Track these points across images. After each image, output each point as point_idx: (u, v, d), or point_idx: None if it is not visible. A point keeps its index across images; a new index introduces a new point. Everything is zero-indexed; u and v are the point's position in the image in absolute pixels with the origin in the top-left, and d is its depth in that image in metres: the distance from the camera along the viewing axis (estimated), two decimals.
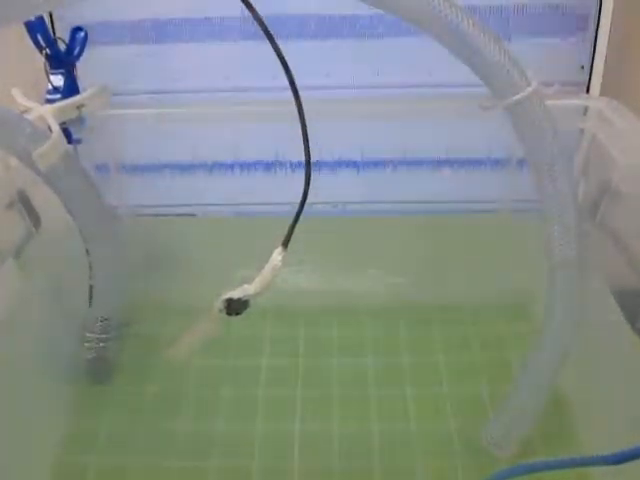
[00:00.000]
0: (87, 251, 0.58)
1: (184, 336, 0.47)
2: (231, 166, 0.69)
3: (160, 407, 0.63)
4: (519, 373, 0.52)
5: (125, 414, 0.62)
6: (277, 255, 0.41)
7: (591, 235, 0.53)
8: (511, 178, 0.65)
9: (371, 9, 0.40)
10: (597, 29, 0.62)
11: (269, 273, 0.41)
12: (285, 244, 0.41)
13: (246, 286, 0.41)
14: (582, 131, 0.58)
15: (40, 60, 0.55)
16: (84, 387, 0.64)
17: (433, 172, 0.68)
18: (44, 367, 0.60)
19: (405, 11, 0.38)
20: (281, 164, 0.68)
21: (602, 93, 0.63)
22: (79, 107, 0.57)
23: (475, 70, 0.40)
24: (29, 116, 0.50)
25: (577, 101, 0.58)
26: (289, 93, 0.40)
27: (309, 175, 0.40)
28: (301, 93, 0.40)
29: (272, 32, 0.38)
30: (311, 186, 0.41)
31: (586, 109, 0.57)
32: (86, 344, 0.63)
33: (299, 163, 0.67)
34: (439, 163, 0.68)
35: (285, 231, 0.41)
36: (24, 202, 0.57)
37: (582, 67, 0.64)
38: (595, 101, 0.58)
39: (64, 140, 0.51)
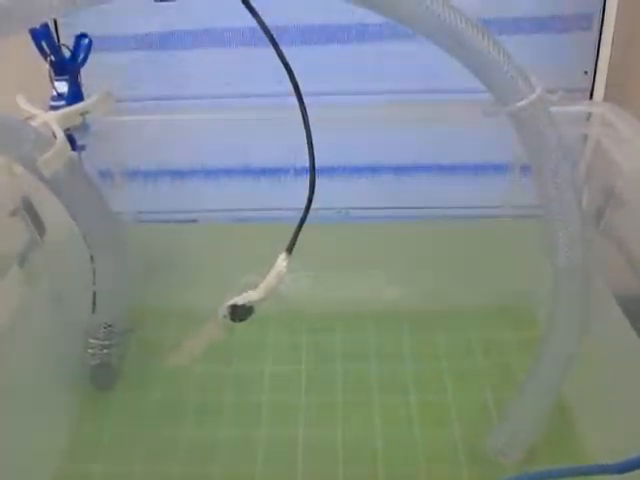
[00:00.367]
0: (91, 257, 0.58)
1: (187, 342, 0.47)
2: (234, 172, 0.69)
3: (163, 413, 0.62)
4: (524, 380, 0.52)
5: (128, 420, 0.62)
6: (281, 261, 0.41)
7: (595, 240, 0.53)
8: (513, 183, 0.65)
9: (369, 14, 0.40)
10: (600, 35, 0.62)
11: (273, 279, 0.41)
12: (289, 250, 0.41)
13: (250, 292, 0.41)
14: (586, 137, 0.58)
15: (44, 67, 0.56)
16: (88, 393, 0.64)
17: (436, 178, 0.68)
18: (48, 373, 0.60)
19: (407, 17, 0.38)
20: (285, 170, 0.68)
21: (605, 99, 0.63)
22: (83, 114, 0.57)
23: (478, 76, 0.40)
24: (33, 123, 0.50)
25: (580, 107, 0.58)
26: (292, 99, 0.40)
27: (313, 181, 0.40)
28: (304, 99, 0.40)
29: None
30: (314, 191, 0.41)
31: (589, 115, 0.57)
32: (89, 350, 0.63)
33: (303, 169, 0.67)
34: (442, 169, 0.68)
35: (288, 237, 0.41)
36: (28, 209, 0.57)
37: (585, 73, 0.64)
38: (598, 107, 0.58)
39: (68, 147, 0.51)
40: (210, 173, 0.69)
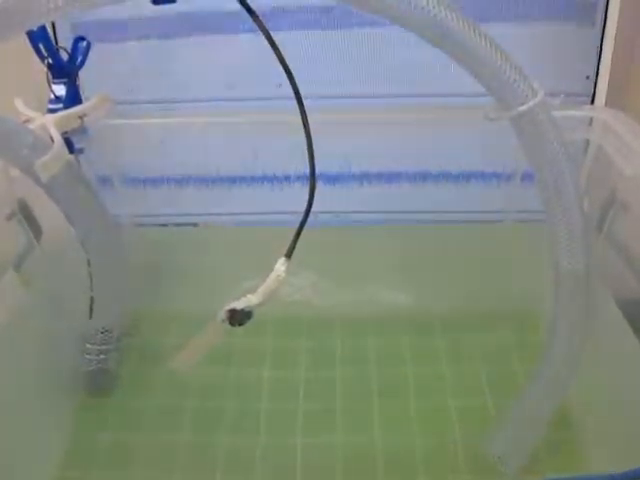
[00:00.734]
0: (88, 262, 0.57)
1: (186, 347, 0.47)
2: (234, 176, 0.69)
3: (161, 419, 0.62)
4: (526, 386, 0.52)
5: (126, 426, 0.61)
6: (280, 265, 0.40)
7: (597, 246, 0.53)
8: (514, 189, 0.65)
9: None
10: (602, 39, 0.62)
11: (272, 283, 0.40)
12: (289, 254, 0.41)
13: (249, 296, 0.41)
14: (587, 142, 0.58)
15: (42, 70, 0.55)
16: (85, 399, 0.64)
17: (437, 183, 0.68)
18: (44, 379, 0.59)
19: (408, 20, 0.38)
20: (285, 175, 0.68)
21: (607, 104, 0.63)
22: (81, 117, 0.56)
23: (481, 80, 0.40)
24: (31, 126, 0.50)
25: (582, 112, 0.58)
26: (292, 103, 0.39)
27: (313, 185, 0.40)
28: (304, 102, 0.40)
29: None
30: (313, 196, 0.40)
31: (591, 120, 0.57)
32: (87, 356, 0.62)
33: (303, 174, 0.67)
34: (442, 174, 0.68)
35: (287, 241, 0.41)
36: (25, 213, 0.56)
37: (587, 77, 0.64)
38: (600, 112, 0.58)
39: (66, 150, 0.51)
40: (209, 177, 0.69)
